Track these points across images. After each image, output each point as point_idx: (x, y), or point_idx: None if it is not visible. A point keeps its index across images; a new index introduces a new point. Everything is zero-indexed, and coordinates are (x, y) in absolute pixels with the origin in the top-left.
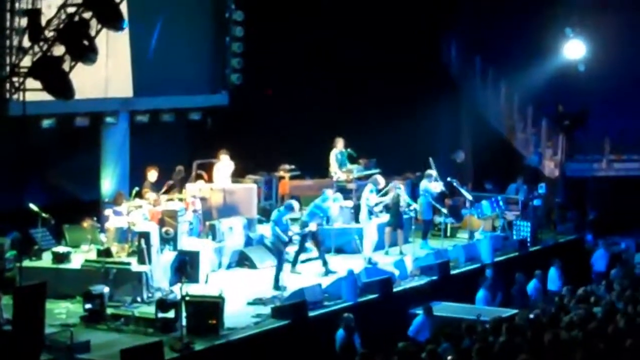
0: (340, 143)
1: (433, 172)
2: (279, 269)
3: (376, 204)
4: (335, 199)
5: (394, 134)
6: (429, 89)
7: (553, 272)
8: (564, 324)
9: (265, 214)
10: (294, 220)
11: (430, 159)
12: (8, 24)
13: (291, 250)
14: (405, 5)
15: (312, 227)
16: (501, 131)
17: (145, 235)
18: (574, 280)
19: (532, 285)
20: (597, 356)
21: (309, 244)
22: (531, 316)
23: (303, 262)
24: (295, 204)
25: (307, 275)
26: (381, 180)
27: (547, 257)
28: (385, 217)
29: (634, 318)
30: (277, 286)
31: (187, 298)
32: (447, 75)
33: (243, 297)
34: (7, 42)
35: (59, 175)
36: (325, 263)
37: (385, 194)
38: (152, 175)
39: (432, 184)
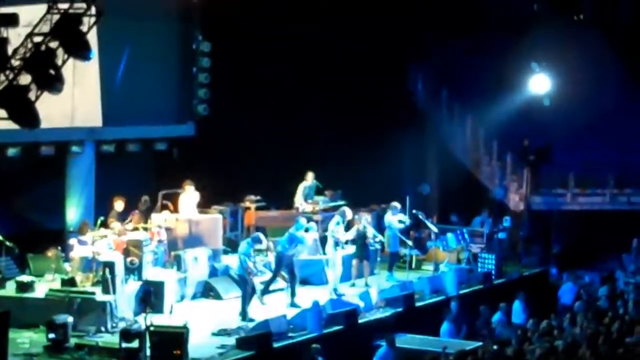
0: (310, 177)
1: (397, 204)
2: (245, 300)
3: (343, 237)
4: (309, 227)
5: (360, 166)
6: (395, 121)
7: (517, 305)
8: (527, 357)
9: (230, 244)
10: (258, 251)
11: (407, 197)
12: None
13: (257, 280)
14: (373, 37)
15: (270, 257)
16: (466, 164)
17: (110, 265)
18: (538, 313)
19: (496, 318)
20: None
21: (279, 275)
22: (495, 348)
23: (269, 292)
24: (262, 236)
25: (272, 306)
26: (349, 212)
27: (511, 290)
28: (351, 249)
29: (597, 351)
30: (244, 317)
31: (152, 328)
32: (414, 108)
33: (208, 328)
34: None
35: (23, 204)
36: (293, 294)
37: (350, 226)
38: (119, 205)
39: (394, 217)
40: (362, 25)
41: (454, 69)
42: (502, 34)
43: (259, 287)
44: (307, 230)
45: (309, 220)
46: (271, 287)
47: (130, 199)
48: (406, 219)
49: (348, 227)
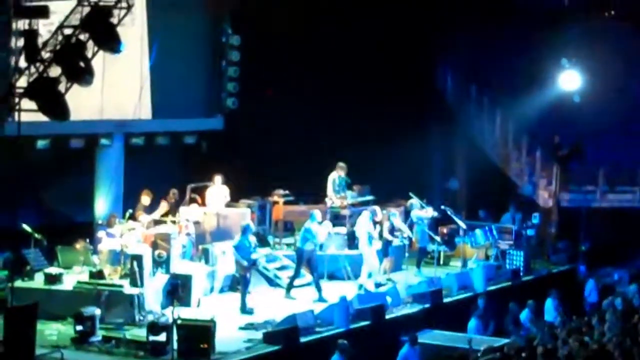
0: (342, 169)
1: (415, 200)
2: (244, 293)
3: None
4: (320, 222)
5: (388, 161)
6: (424, 116)
7: (550, 303)
8: (556, 355)
9: (258, 238)
10: (289, 245)
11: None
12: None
13: (285, 275)
14: (402, 32)
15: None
16: (495, 160)
17: (138, 258)
18: (566, 311)
19: (524, 315)
20: None
21: (303, 270)
22: (522, 346)
23: (296, 287)
24: (250, 224)
25: (300, 301)
26: (379, 212)
27: (540, 287)
28: (379, 244)
29: (626, 349)
30: (244, 310)
31: (179, 321)
32: (443, 103)
33: (235, 322)
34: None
35: (52, 196)
36: (319, 289)
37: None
38: (146, 199)
39: (423, 211)
40: (392, 20)
41: (484, 64)
42: (532, 30)
43: (285, 281)
44: (319, 224)
45: (337, 216)
46: (299, 282)
47: (159, 192)
48: (431, 210)
49: (375, 226)
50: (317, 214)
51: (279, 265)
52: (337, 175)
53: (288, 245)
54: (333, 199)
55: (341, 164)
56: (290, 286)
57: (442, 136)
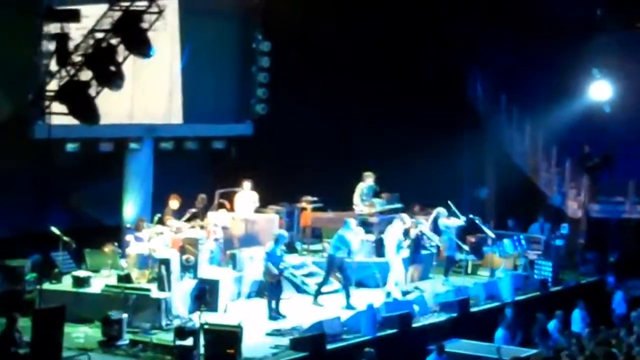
0: (370, 178)
1: (441, 209)
2: (270, 299)
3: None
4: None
5: (417, 169)
6: (454, 125)
7: (577, 314)
8: None
9: (286, 245)
10: (316, 252)
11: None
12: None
13: (312, 281)
14: (433, 41)
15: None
16: (525, 170)
17: (166, 262)
18: (595, 322)
19: (552, 326)
20: None
21: (331, 277)
22: (550, 356)
23: (324, 294)
24: (284, 233)
25: (327, 308)
26: (407, 219)
27: (568, 297)
28: (407, 252)
29: None
30: (271, 316)
31: (206, 326)
32: (473, 113)
33: (262, 328)
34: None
35: (81, 200)
36: (348, 296)
37: (407, 233)
38: (174, 203)
39: (450, 220)
40: (423, 29)
41: (514, 74)
42: (563, 39)
43: (312, 288)
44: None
45: (365, 223)
46: (327, 289)
47: (188, 197)
48: (459, 221)
49: (405, 233)
50: (351, 222)
51: (306, 272)
52: (365, 185)
53: (316, 251)
54: (360, 206)
55: (367, 173)
56: (318, 293)
57: (471, 145)
